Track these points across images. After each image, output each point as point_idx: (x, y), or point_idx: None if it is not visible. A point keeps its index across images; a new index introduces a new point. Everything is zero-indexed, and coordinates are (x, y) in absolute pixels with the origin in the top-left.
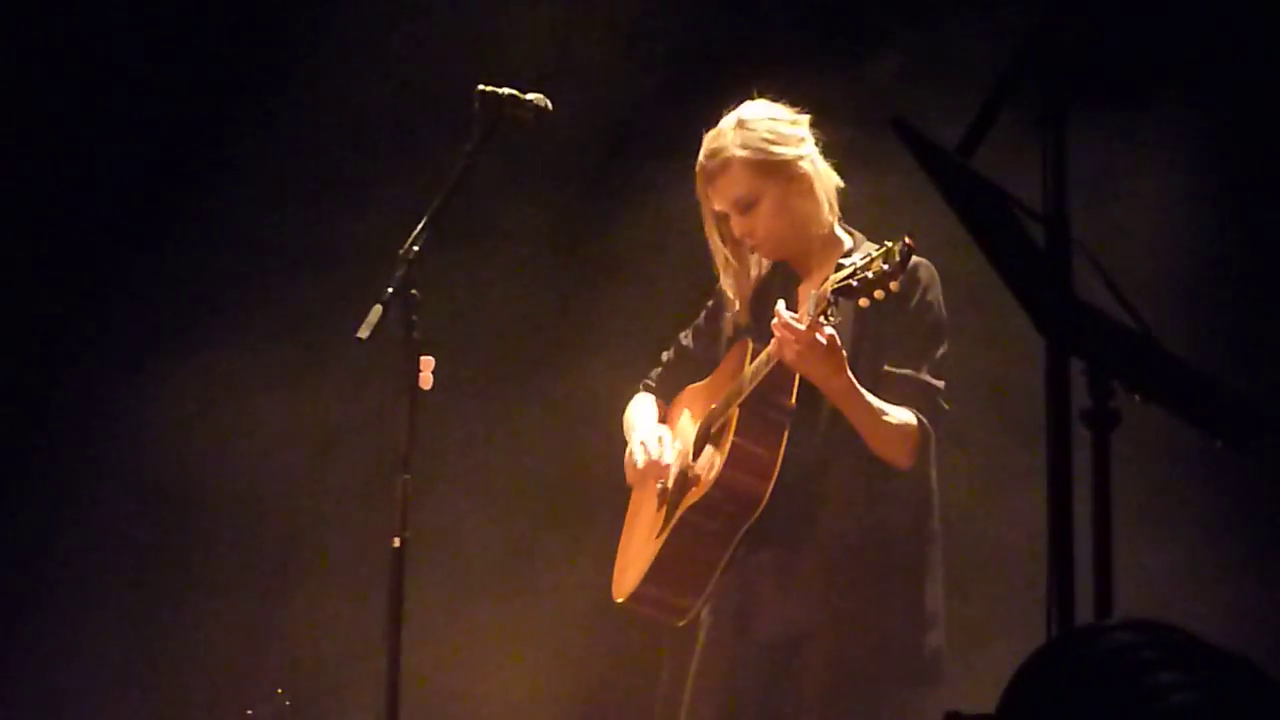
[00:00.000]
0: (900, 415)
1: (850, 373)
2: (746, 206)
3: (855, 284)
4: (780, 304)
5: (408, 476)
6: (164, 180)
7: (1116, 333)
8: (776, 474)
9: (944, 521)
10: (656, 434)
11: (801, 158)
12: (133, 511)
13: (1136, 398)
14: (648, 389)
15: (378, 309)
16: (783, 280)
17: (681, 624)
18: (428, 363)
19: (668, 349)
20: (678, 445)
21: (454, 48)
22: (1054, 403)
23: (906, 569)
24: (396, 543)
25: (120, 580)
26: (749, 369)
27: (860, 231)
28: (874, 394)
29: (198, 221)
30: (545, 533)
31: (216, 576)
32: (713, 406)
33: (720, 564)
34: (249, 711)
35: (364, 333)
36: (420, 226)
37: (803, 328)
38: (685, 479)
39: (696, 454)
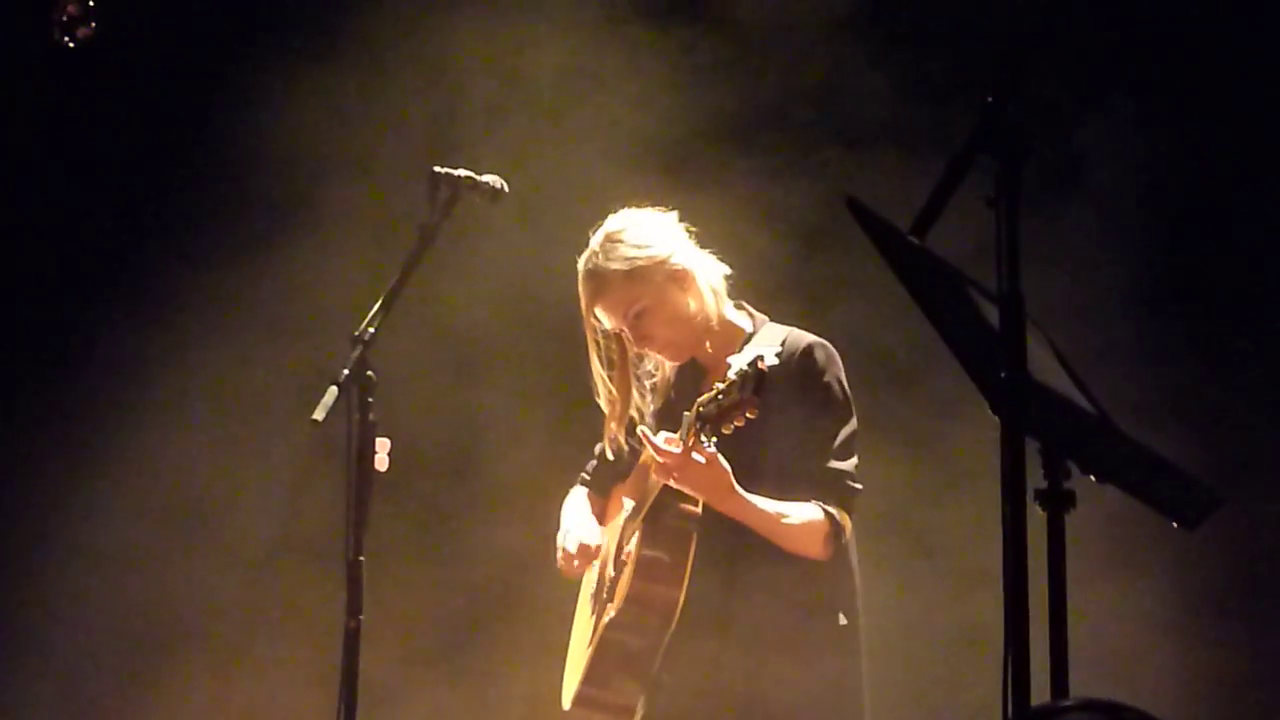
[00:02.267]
0: (804, 514)
1: (740, 474)
2: (636, 317)
3: (714, 410)
4: (644, 429)
5: (361, 558)
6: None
7: (1071, 413)
8: (687, 580)
9: (904, 611)
10: (580, 523)
11: (673, 254)
12: (89, 588)
13: (1091, 478)
14: (584, 483)
15: (333, 391)
16: (692, 376)
17: None
18: (383, 444)
19: (600, 441)
20: (604, 540)
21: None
22: (1009, 483)
23: (841, 655)
24: (351, 625)
25: (71, 658)
26: (652, 479)
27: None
28: (781, 486)
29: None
30: (496, 614)
31: (173, 655)
32: (625, 516)
33: (652, 666)
34: None
35: (319, 415)
36: (376, 308)
37: (677, 451)
38: (608, 589)
39: (616, 564)
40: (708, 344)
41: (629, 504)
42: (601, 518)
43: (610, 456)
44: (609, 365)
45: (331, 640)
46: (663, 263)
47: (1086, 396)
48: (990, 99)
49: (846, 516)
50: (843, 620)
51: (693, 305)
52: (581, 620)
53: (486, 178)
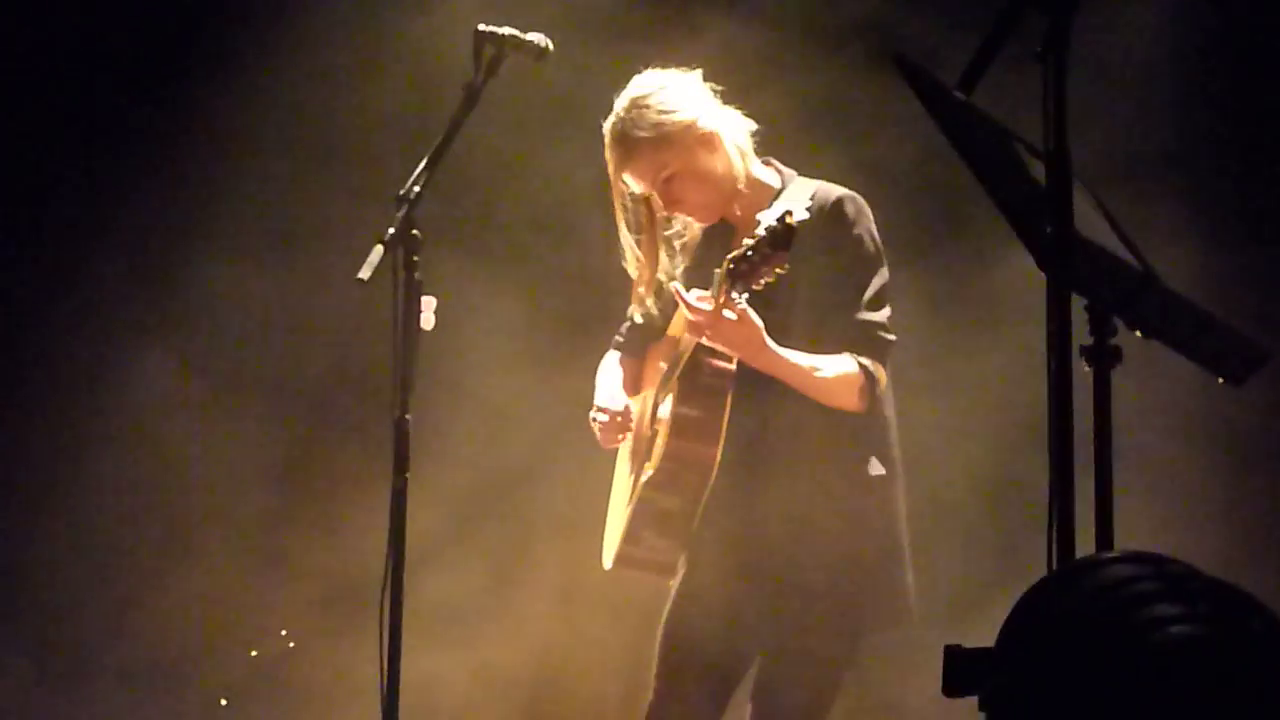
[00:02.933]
0: (838, 366)
1: (773, 330)
2: (665, 182)
3: (745, 266)
4: (677, 286)
5: (407, 417)
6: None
7: (1117, 269)
8: (723, 437)
9: (947, 467)
10: (607, 394)
11: (699, 117)
12: (126, 447)
13: (1137, 334)
14: (617, 346)
15: (379, 249)
16: (721, 235)
17: (673, 580)
18: (429, 303)
19: (633, 304)
20: (633, 403)
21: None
22: (1056, 338)
23: (878, 504)
24: (398, 483)
25: (121, 517)
26: (685, 337)
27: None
28: (814, 340)
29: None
30: (537, 475)
31: (218, 516)
32: (663, 372)
33: (691, 524)
34: (253, 651)
35: (365, 273)
36: (421, 167)
37: (708, 308)
38: (645, 448)
39: (653, 423)
40: (736, 204)
41: (665, 366)
42: (638, 380)
43: (639, 320)
44: (637, 230)
45: (379, 499)
46: (690, 126)
47: (1134, 253)
48: None
49: (880, 368)
50: (877, 469)
51: (720, 167)
52: (620, 479)
53: (531, 36)
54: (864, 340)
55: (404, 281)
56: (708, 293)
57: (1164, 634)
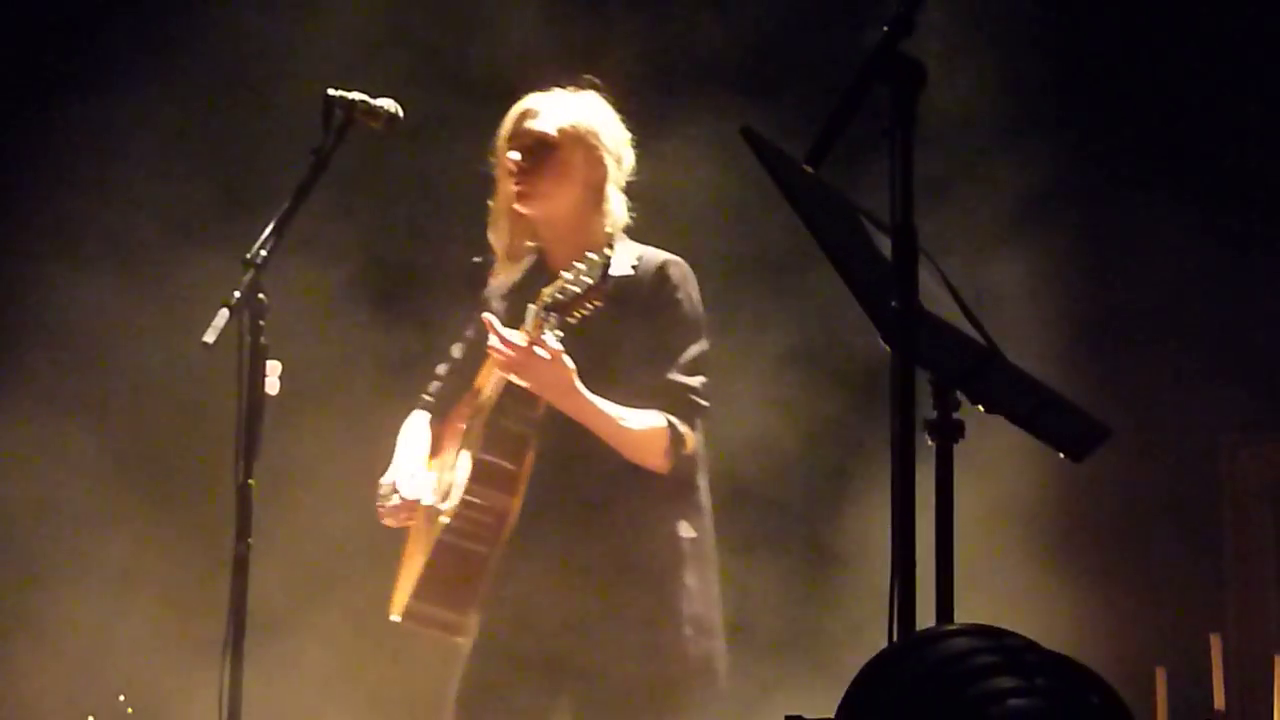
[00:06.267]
0: (645, 421)
1: (586, 383)
2: (539, 146)
3: (561, 298)
4: (489, 317)
5: (251, 482)
6: None
7: (961, 344)
8: (524, 486)
9: (792, 529)
10: (408, 471)
11: (610, 150)
12: None
13: (980, 408)
14: (424, 406)
15: (224, 314)
16: (542, 281)
17: (461, 639)
18: (274, 367)
19: (442, 363)
20: (430, 476)
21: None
22: (899, 413)
23: (686, 567)
24: (240, 550)
25: None
26: (491, 381)
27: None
28: (626, 398)
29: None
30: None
31: (58, 580)
32: (467, 423)
33: (483, 578)
34: (90, 718)
35: (210, 338)
36: (267, 232)
37: (522, 344)
38: (444, 494)
39: (457, 468)
40: (569, 247)
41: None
42: (440, 444)
43: (448, 373)
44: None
45: (222, 564)
46: (598, 143)
47: (976, 328)
48: (886, 28)
49: (689, 430)
50: (688, 532)
51: (585, 193)
52: (420, 531)
53: (382, 101)
54: (674, 400)
55: (249, 346)
56: (520, 330)
57: (1003, 707)
